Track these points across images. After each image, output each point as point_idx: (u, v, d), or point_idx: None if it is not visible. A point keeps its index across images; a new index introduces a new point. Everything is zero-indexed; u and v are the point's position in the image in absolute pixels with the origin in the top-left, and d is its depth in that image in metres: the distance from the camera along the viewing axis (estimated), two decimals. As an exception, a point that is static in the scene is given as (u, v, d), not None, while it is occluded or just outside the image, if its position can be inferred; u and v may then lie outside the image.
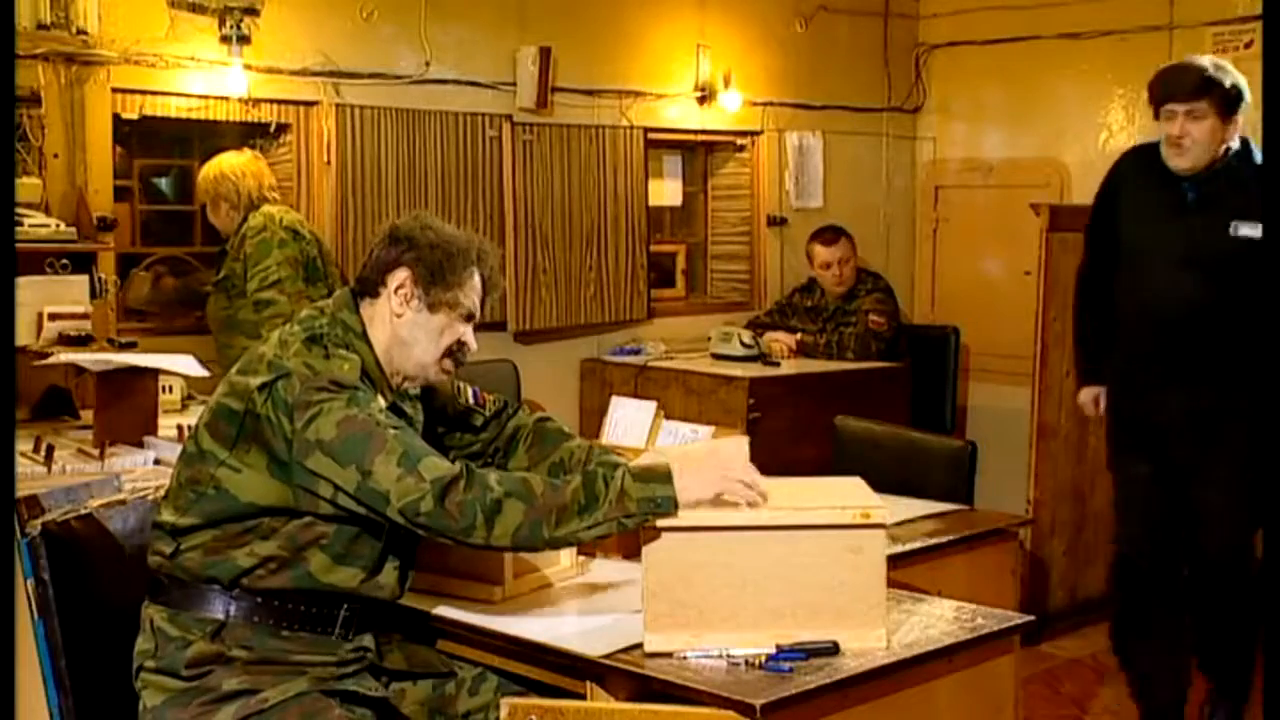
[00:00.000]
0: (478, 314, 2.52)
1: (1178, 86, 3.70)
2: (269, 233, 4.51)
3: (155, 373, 3.88)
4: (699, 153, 6.70)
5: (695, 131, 6.36)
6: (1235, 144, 3.73)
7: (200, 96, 4.91)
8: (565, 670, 2.33)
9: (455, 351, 2.49)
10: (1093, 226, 4.07)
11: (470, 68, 5.55)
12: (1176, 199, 3.78)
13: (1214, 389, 3.76)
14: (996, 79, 6.55)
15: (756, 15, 6.46)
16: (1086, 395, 4.09)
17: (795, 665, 2.17)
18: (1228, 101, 3.67)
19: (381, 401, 2.39)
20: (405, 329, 2.44)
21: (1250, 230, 3.64)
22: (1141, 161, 3.90)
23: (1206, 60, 3.78)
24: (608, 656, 2.25)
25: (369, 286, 2.46)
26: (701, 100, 6.27)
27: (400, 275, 2.43)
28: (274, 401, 2.30)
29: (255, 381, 2.33)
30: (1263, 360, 3.52)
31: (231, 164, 4.64)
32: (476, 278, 2.48)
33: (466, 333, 2.49)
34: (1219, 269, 3.72)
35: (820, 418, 4.66)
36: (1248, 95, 3.71)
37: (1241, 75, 3.75)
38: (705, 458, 2.40)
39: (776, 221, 6.62)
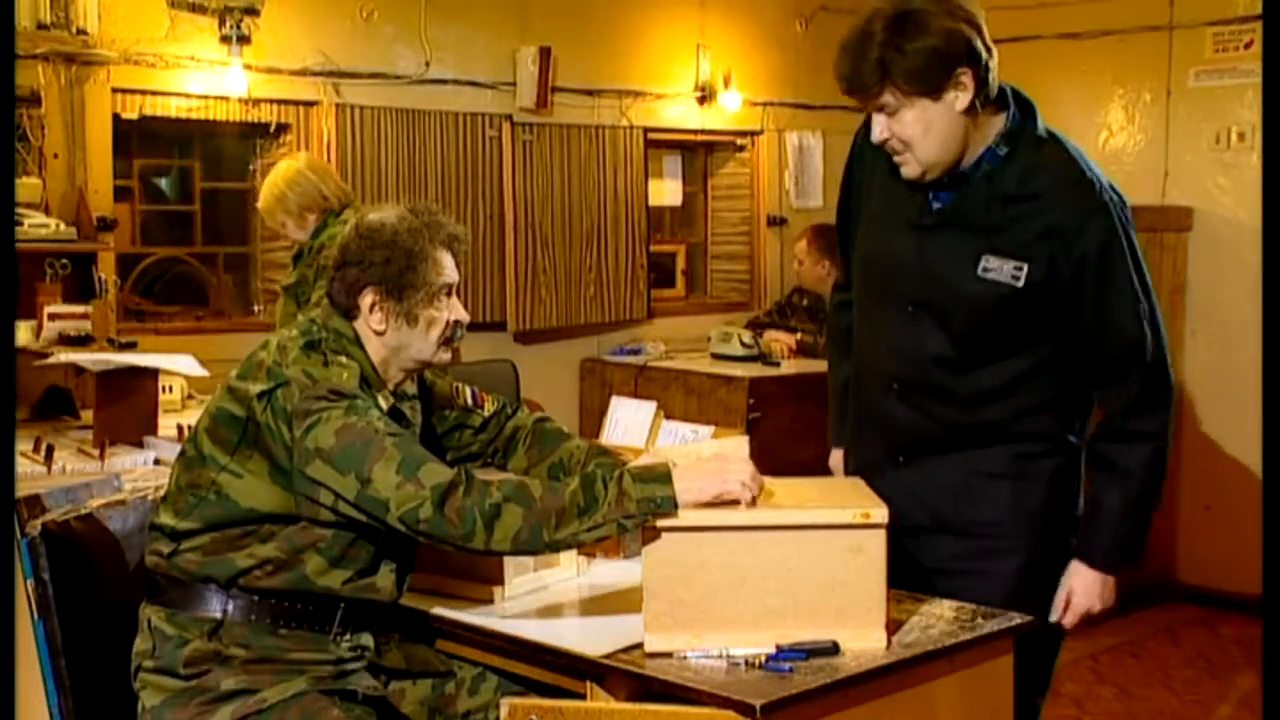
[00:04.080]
0: (457, 278, 2.48)
1: (851, 80, 2.42)
2: None
3: (155, 373, 3.89)
4: (699, 153, 6.70)
5: (695, 131, 6.37)
6: (1001, 125, 2.47)
7: (200, 96, 4.91)
8: (565, 670, 2.32)
9: (451, 334, 2.48)
10: (839, 218, 2.84)
11: (470, 68, 5.56)
12: (918, 207, 2.55)
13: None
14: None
15: (756, 15, 6.46)
16: (834, 461, 3.02)
17: (795, 665, 2.17)
18: (922, 73, 2.36)
19: (383, 404, 2.39)
20: (393, 340, 2.43)
21: (1002, 272, 2.44)
22: None
23: (886, 16, 2.37)
24: (608, 656, 2.24)
25: (343, 310, 2.44)
26: (701, 100, 6.28)
27: (369, 297, 2.40)
28: (273, 410, 2.30)
29: (255, 389, 2.32)
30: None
31: (292, 170, 4.23)
32: (439, 250, 2.44)
33: (454, 308, 2.45)
34: (959, 322, 2.51)
35: (820, 418, 4.61)
36: (979, 35, 2.42)
37: (962, 5, 2.41)
38: (705, 458, 2.40)
39: (776, 221, 6.62)
